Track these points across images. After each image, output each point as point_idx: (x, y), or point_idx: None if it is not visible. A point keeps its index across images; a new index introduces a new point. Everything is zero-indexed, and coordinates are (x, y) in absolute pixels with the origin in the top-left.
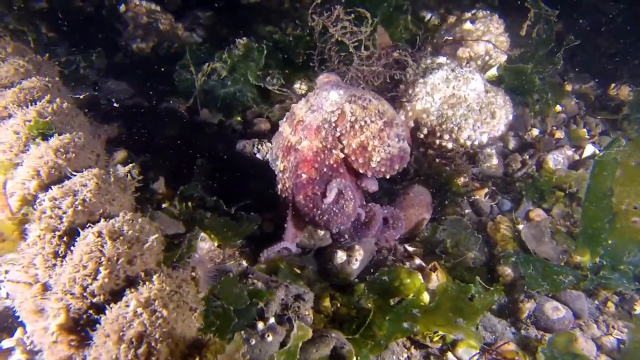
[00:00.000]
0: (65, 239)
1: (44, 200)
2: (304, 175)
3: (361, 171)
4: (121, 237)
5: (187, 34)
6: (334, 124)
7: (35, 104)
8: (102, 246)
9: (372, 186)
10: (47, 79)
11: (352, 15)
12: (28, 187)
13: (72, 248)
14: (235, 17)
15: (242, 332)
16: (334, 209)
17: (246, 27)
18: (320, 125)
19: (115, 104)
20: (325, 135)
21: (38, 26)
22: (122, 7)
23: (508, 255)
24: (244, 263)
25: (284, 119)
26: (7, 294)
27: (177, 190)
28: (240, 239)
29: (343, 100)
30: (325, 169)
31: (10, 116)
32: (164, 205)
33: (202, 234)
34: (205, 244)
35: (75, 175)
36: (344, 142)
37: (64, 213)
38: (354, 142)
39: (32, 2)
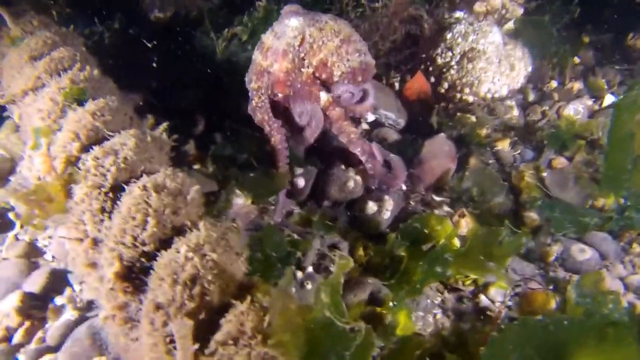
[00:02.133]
0: (110, 194)
1: (87, 160)
2: (280, 94)
3: (328, 84)
4: (165, 190)
5: (203, 2)
6: (297, 47)
7: (67, 72)
8: (148, 198)
9: (339, 90)
10: (74, 50)
11: None
12: (70, 149)
13: (118, 203)
14: None
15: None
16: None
17: None
18: (285, 49)
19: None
20: (292, 57)
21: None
22: None
23: (534, 199)
24: (277, 219)
25: (256, 48)
26: (53, 256)
27: (207, 152)
28: (273, 195)
29: (303, 25)
30: (299, 85)
31: (44, 85)
32: (195, 167)
33: (236, 190)
34: (240, 200)
35: (113, 136)
36: (307, 62)
37: (108, 170)
38: (315, 60)
39: None
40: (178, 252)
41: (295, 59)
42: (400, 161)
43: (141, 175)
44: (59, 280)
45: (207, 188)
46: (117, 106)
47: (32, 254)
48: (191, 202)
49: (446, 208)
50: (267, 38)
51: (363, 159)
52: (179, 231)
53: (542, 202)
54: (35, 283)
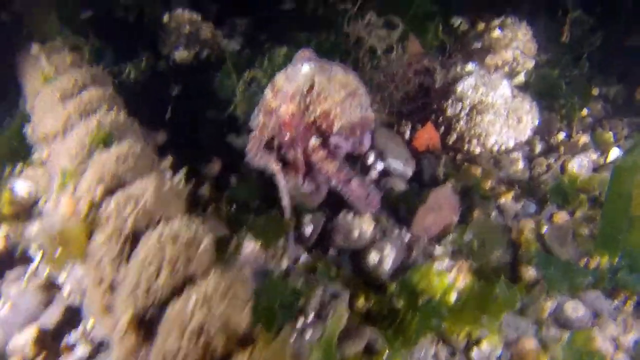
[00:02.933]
0: (129, 241)
1: (109, 205)
2: (287, 135)
3: (326, 134)
4: (179, 240)
5: (226, 41)
6: (305, 92)
7: (95, 114)
8: (163, 248)
9: (341, 143)
10: (103, 89)
11: (382, 21)
12: (94, 192)
13: (135, 249)
14: (271, 23)
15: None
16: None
17: (282, 34)
18: (294, 92)
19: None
20: (299, 101)
21: (87, 35)
22: (166, 17)
23: (530, 255)
24: (285, 263)
25: (268, 86)
26: (70, 292)
27: (222, 192)
28: (281, 239)
29: (313, 73)
30: (302, 129)
31: (73, 126)
32: (210, 208)
33: (247, 234)
34: (250, 244)
35: (135, 182)
36: (312, 108)
37: (128, 217)
38: (319, 108)
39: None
40: (188, 302)
41: (301, 104)
42: (378, 194)
43: (159, 222)
44: (74, 316)
45: (219, 232)
46: (140, 150)
47: (51, 288)
48: (203, 252)
49: (447, 260)
50: (279, 79)
51: (338, 187)
52: (190, 280)
53: (538, 259)
54: (52, 316)
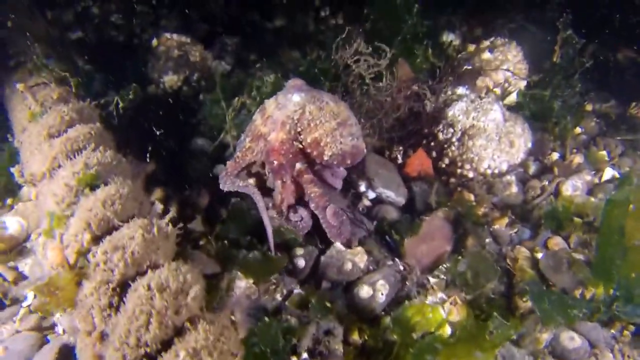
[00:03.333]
0: (118, 290)
1: (96, 253)
2: (275, 162)
3: (317, 161)
4: (168, 289)
5: (216, 63)
6: (296, 121)
7: (82, 153)
8: (152, 299)
9: (329, 177)
10: (89, 126)
11: (370, 49)
12: (81, 239)
13: (125, 298)
14: (261, 42)
15: None
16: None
17: (272, 52)
18: (285, 120)
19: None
20: (289, 129)
21: (75, 61)
22: (154, 42)
23: (524, 289)
24: (278, 297)
25: (258, 111)
26: (64, 330)
27: (213, 225)
28: (274, 275)
29: (304, 102)
30: (290, 155)
31: (59, 166)
32: (201, 242)
33: (238, 273)
34: (242, 282)
35: (122, 226)
36: (302, 137)
37: (116, 266)
38: (309, 137)
39: (69, 33)
40: (177, 356)
41: (292, 131)
42: (348, 225)
43: (148, 269)
44: (68, 356)
45: (209, 270)
46: (128, 192)
47: (44, 328)
48: (193, 300)
49: (440, 294)
50: (270, 106)
51: (316, 212)
52: (179, 331)
53: (532, 293)
54: (45, 357)
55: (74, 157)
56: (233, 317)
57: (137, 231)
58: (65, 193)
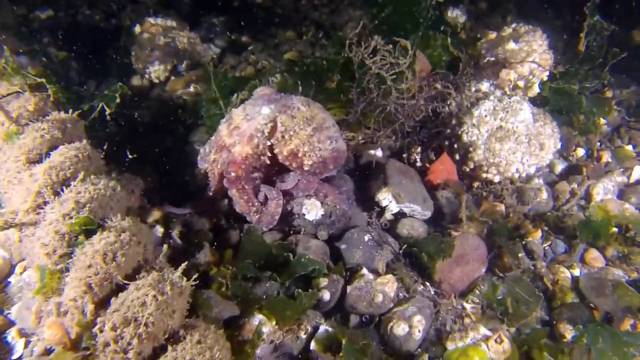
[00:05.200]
0: None
1: (104, 328)
2: (232, 174)
3: (298, 173)
4: None
5: (205, 47)
6: (267, 134)
7: (69, 184)
8: None
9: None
10: (75, 147)
11: (390, 46)
12: (83, 307)
13: None
14: (251, 20)
15: None
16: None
17: (264, 32)
18: (253, 134)
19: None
20: (257, 143)
21: (47, 51)
22: (137, 28)
23: (577, 328)
24: (302, 335)
25: (224, 120)
26: None
27: (220, 248)
28: (300, 316)
29: (274, 114)
30: (252, 169)
31: (45, 203)
32: (211, 273)
33: (261, 317)
34: (265, 328)
35: (128, 284)
36: (277, 150)
37: (129, 344)
38: (285, 150)
39: (37, 12)
40: None
41: (260, 145)
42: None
43: (165, 343)
44: None
45: (227, 313)
46: (130, 236)
47: None
48: None
49: (482, 330)
50: (238, 116)
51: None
52: None
53: (585, 329)
54: None
55: (61, 189)
56: None
57: (149, 293)
58: (57, 243)
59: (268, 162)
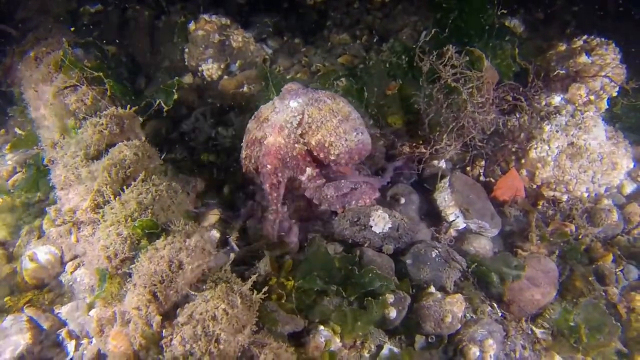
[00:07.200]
0: None
1: (172, 343)
2: (268, 166)
3: (325, 163)
4: None
5: (258, 47)
6: (296, 125)
7: (129, 184)
8: None
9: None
10: (135, 144)
11: (466, 58)
12: (148, 317)
13: None
14: (303, 20)
15: None
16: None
17: (316, 34)
18: (282, 125)
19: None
20: (288, 133)
21: (101, 46)
22: (192, 25)
23: None
24: (366, 355)
25: (251, 119)
26: None
27: (281, 258)
28: (371, 327)
29: (302, 107)
30: (288, 159)
31: (107, 202)
32: (270, 284)
33: (326, 333)
34: (333, 346)
35: (195, 295)
36: (306, 140)
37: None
38: (313, 140)
39: (87, 6)
40: None
41: (291, 135)
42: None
43: None
44: None
45: (291, 327)
46: (195, 243)
47: None
48: None
49: (558, 358)
50: (266, 110)
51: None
52: None
53: None
54: None
55: (121, 189)
56: None
57: (219, 306)
58: (118, 246)
59: (305, 148)
